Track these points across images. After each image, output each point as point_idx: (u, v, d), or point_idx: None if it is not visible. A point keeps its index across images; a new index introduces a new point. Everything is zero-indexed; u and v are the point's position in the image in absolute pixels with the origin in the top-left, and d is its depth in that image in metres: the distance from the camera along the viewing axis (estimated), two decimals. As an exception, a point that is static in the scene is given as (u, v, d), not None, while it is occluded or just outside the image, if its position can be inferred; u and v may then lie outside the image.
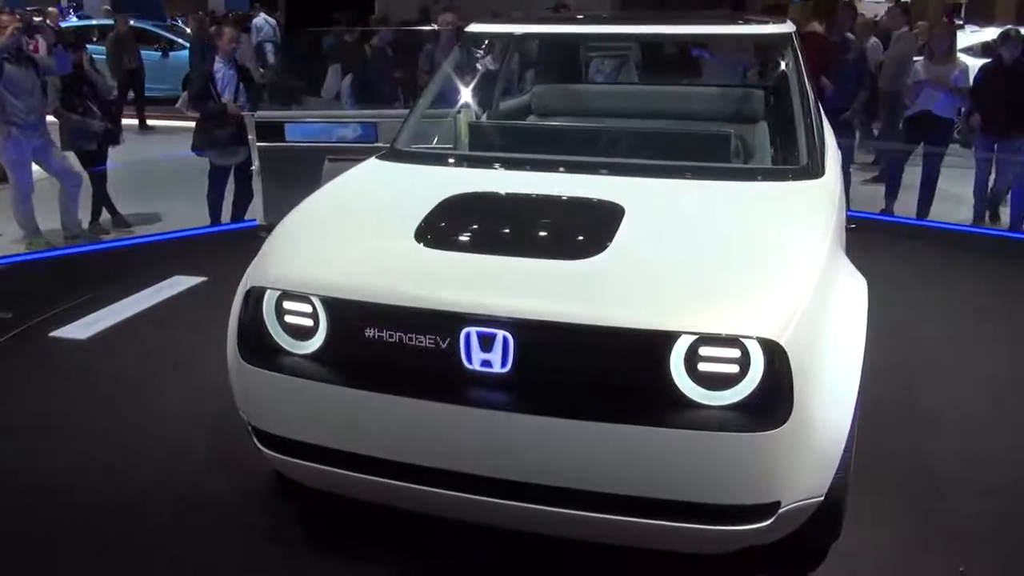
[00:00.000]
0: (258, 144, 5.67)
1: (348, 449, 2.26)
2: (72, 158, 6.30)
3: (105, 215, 6.59)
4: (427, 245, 2.30)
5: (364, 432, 2.23)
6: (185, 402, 3.44)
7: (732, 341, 1.95)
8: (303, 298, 2.28)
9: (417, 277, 2.20)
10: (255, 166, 5.77)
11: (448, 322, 2.09)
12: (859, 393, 2.13)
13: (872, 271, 2.60)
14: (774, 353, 1.93)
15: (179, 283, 4.82)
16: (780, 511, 2.01)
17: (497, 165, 2.94)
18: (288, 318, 2.32)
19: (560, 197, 2.58)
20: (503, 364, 2.07)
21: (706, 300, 2.02)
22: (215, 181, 6.36)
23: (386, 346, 2.17)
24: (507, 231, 2.42)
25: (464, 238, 2.37)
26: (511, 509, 2.11)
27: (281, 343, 2.33)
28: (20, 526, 2.70)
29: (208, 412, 3.24)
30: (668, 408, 1.98)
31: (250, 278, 2.39)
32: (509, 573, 2.46)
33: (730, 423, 1.94)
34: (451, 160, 3.12)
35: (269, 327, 2.34)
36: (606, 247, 2.19)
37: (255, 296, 2.34)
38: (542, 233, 2.42)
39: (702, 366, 1.97)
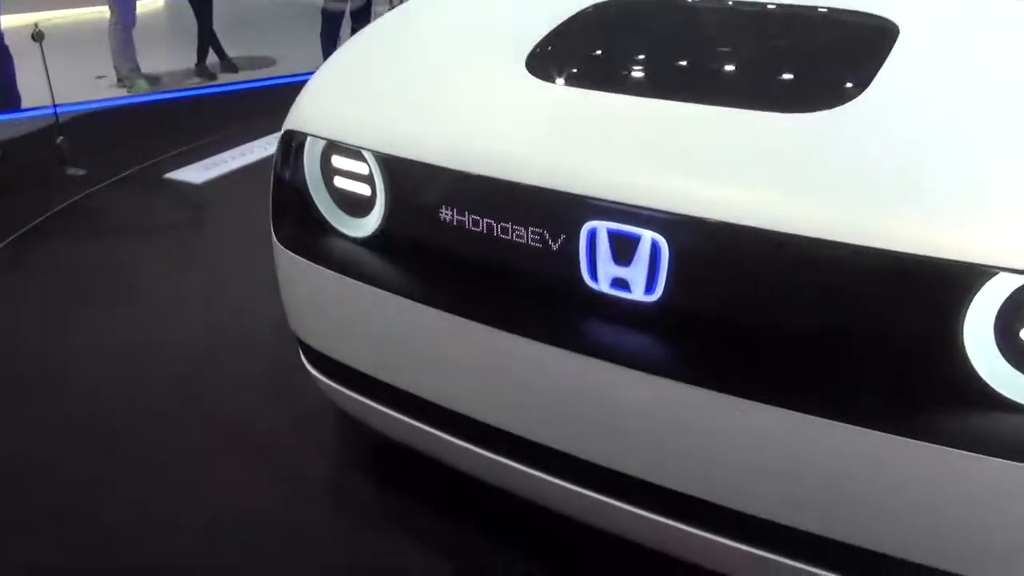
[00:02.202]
0: None
1: (405, 388, 1.53)
2: None
3: (213, 58, 6.03)
4: (542, 77, 1.42)
5: (428, 368, 1.49)
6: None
7: None
8: (357, 153, 1.51)
9: (518, 129, 1.36)
10: None
11: (563, 209, 1.26)
12: None
13: None
14: None
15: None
16: None
17: None
18: (339, 182, 1.57)
19: (774, 2, 1.58)
20: (649, 288, 1.23)
21: None
22: (328, 20, 5.62)
23: (467, 239, 1.38)
24: (678, 58, 1.48)
25: (604, 67, 1.47)
26: (649, 523, 1.33)
27: (329, 218, 1.59)
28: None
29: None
30: (953, 407, 1.08)
31: (288, 118, 1.64)
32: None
33: None
34: None
35: (312, 193, 1.59)
36: (857, 94, 1.22)
37: (295, 146, 1.59)
38: (737, 63, 1.45)
39: None
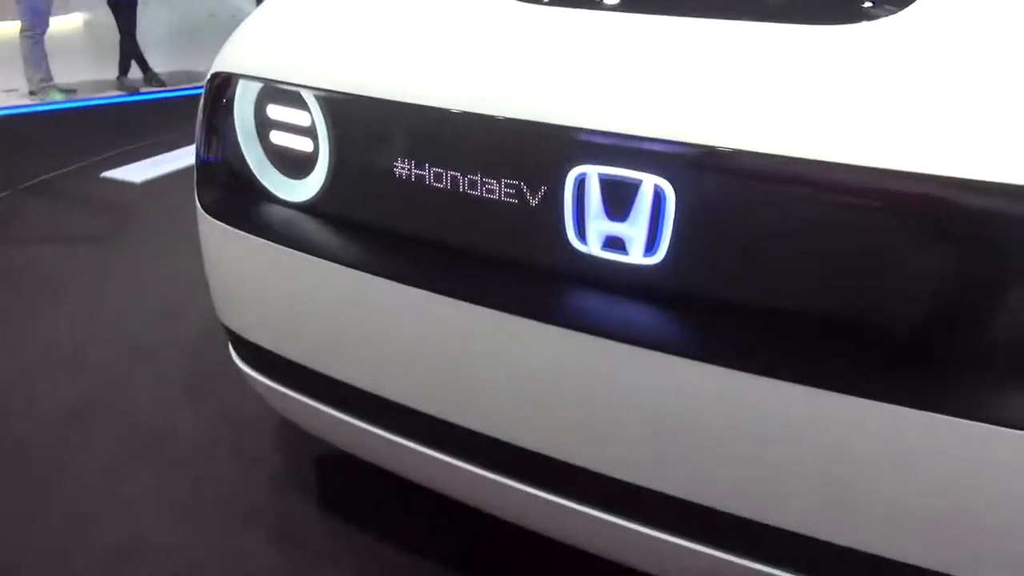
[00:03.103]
0: None
1: (360, 385, 1.29)
2: None
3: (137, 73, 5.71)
4: None
5: (384, 359, 1.25)
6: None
7: None
8: (297, 100, 1.28)
9: (492, 54, 1.14)
10: None
11: (544, 150, 1.06)
12: None
13: None
14: None
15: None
16: None
17: None
18: (276, 137, 1.33)
19: None
20: (649, 248, 1.02)
21: None
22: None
23: (428, 196, 1.16)
24: None
25: None
26: (681, 553, 1.10)
27: (263, 180, 1.35)
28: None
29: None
30: None
31: (216, 60, 1.39)
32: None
33: None
34: None
35: (244, 150, 1.35)
36: (905, 3, 1.00)
37: (225, 94, 1.33)
38: None
39: None
